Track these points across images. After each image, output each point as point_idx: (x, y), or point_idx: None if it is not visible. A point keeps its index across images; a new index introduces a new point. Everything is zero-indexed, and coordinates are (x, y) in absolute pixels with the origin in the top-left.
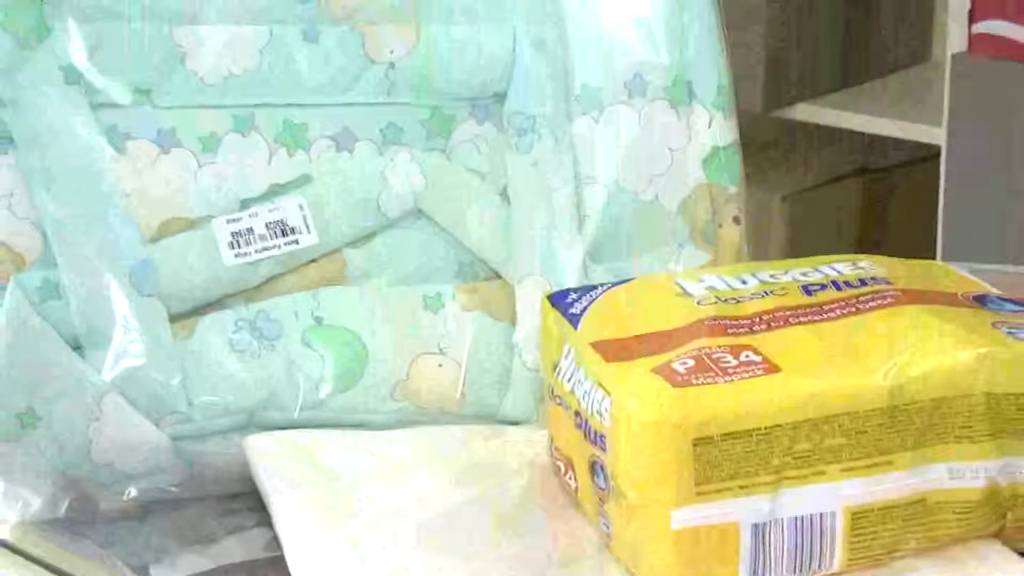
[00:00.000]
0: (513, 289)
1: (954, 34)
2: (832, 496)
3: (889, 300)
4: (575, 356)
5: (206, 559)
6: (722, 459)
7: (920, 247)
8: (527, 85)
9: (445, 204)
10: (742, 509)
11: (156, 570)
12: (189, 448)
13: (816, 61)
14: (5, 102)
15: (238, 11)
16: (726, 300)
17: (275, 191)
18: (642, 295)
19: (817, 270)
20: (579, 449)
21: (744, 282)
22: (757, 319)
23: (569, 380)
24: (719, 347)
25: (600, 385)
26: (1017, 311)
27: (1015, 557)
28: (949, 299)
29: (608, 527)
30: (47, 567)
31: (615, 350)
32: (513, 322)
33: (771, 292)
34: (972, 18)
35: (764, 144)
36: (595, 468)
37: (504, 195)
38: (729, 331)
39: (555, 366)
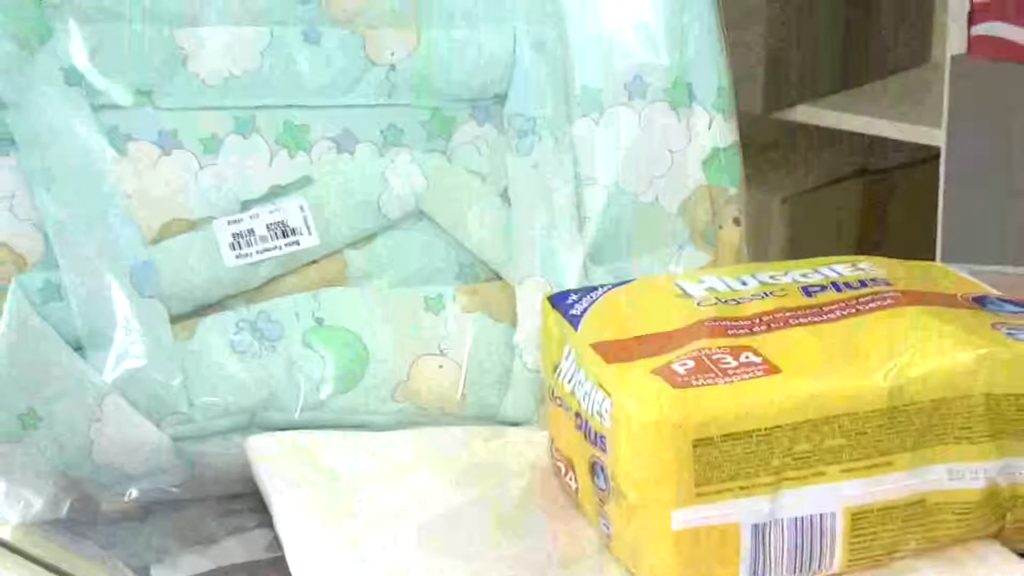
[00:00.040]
0: (513, 290)
1: (954, 36)
2: (832, 497)
3: (889, 301)
4: (575, 357)
5: (207, 560)
6: (722, 460)
7: (920, 248)
8: (527, 87)
9: (446, 205)
10: (742, 510)
11: (157, 571)
12: (190, 449)
13: (816, 62)
14: (6, 103)
15: (238, 13)
16: (726, 301)
17: (276, 192)
18: (642, 296)
19: (817, 271)
20: (579, 450)
21: (744, 283)
22: (757, 320)
23: (569, 381)
24: (719, 348)
25: (600, 386)
26: (1017, 312)
27: (1014, 558)
28: (949, 300)
29: (608, 528)
30: (48, 568)
31: (615, 351)
32: (514, 323)
33: (771, 293)
34: (971, 20)
35: (764, 146)
36: (595, 469)
37: (504, 196)
38: (729, 332)
39: (555, 367)
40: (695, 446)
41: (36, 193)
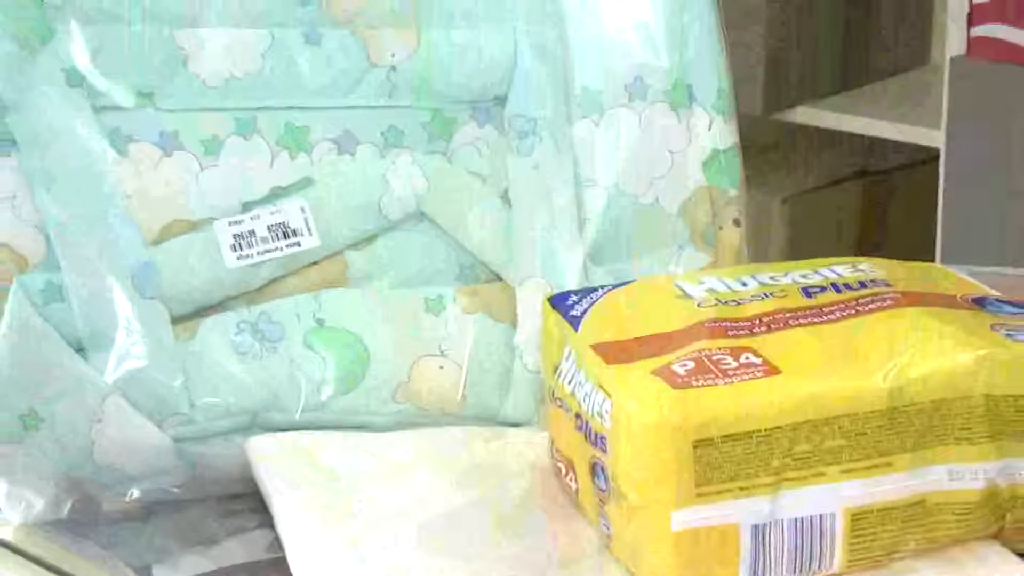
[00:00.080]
0: (514, 291)
1: (953, 37)
2: (832, 497)
3: (889, 302)
4: (576, 358)
5: (208, 560)
6: (722, 460)
7: (919, 249)
8: (528, 88)
9: (446, 207)
10: (742, 510)
11: (158, 571)
12: (191, 449)
13: (816, 63)
14: (8, 104)
15: (238, 14)
16: (726, 302)
17: (277, 193)
18: (642, 297)
19: (817, 272)
20: (580, 451)
21: (744, 284)
22: (757, 321)
23: (570, 382)
24: (719, 349)
25: (601, 387)
26: (1016, 313)
27: (1014, 558)
28: (948, 301)
29: (608, 528)
30: (50, 568)
31: (615, 352)
32: (514, 324)
33: (771, 294)
34: (971, 21)
35: (764, 147)
36: (595, 469)
37: (505, 198)
38: (729, 333)
39: (556, 368)
40: (695, 447)
41: (37, 194)
